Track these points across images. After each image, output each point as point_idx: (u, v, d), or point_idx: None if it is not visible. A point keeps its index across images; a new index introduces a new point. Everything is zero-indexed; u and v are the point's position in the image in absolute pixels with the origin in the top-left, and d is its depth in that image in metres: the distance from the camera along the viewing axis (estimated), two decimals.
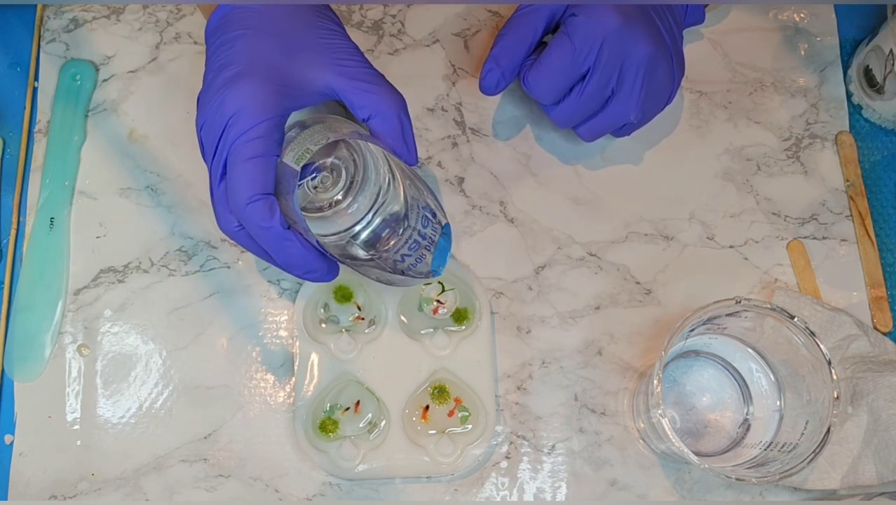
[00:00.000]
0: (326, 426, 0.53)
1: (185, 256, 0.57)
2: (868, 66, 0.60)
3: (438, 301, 0.56)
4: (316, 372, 0.54)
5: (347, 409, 0.53)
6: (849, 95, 0.62)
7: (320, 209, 0.47)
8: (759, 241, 0.59)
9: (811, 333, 0.48)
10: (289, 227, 0.44)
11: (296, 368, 0.54)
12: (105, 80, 0.61)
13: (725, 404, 0.55)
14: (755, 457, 0.51)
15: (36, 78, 0.60)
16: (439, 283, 0.56)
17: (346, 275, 0.53)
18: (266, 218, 0.43)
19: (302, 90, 0.46)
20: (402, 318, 0.56)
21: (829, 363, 0.47)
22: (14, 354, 0.55)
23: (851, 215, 0.60)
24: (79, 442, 0.54)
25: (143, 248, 0.58)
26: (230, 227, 0.46)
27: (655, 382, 0.47)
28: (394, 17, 0.63)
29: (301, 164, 0.43)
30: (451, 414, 0.54)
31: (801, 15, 0.64)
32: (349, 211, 0.46)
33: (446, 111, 0.61)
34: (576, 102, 0.53)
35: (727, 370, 0.55)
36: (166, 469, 0.54)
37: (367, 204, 0.47)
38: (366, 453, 0.53)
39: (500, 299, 0.57)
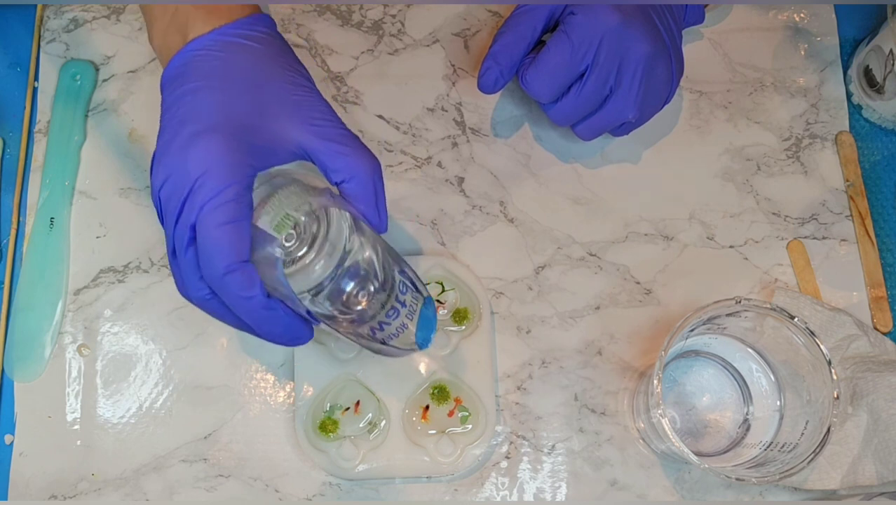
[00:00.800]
0: (326, 426, 0.53)
1: None
2: (868, 66, 0.60)
3: (438, 301, 0.56)
4: (316, 372, 0.54)
5: (347, 409, 0.53)
6: (849, 95, 0.62)
7: (288, 264, 0.43)
8: (759, 242, 0.59)
9: (811, 333, 0.48)
10: (268, 295, 0.41)
11: (296, 367, 0.54)
12: (105, 80, 0.61)
13: (725, 404, 0.55)
14: (755, 457, 0.51)
15: (36, 78, 0.60)
16: (440, 283, 0.56)
17: None
18: (246, 287, 0.40)
19: (272, 150, 0.43)
20: None
21: (829, 363, 0.47)
22: (14, 354, 0.55)
23: (851, 215, 0.60)
24: (79, 442, 0.54)
25: (143, 248, 0.58)
26: (199, 294, 0.42)
27: (655, 382, 0.47)
28: (394, 17, 0.63)
29: (284, 233, 0.41)
30: (451, 414, 0.54)
31: (801, 15, 0.64)
32: (315, 267, 0.43)
33: (446, 111, 0.61)
34: (574, 101, 0.53)
35: (727, 370, 0.55)
36: (166, 469, 0.54)
37: (333, 261, 0.43)
38: (366, 453, 0.53)
39: (500, 299, 0.57)
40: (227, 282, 0.40)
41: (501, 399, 0.55)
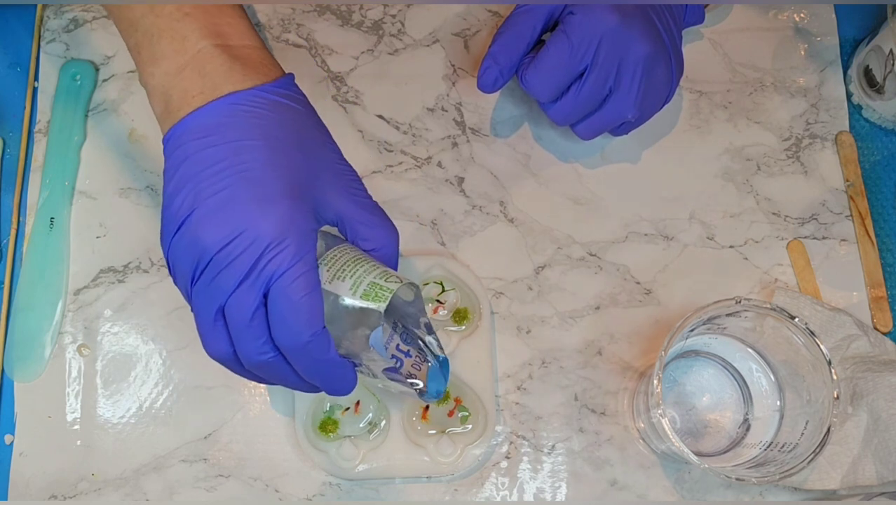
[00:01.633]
0: (326, 426, 0.53)
1: None
2: (868, 66, 0.60)
3: (438, 301, 0.56)
4: None
5: (347, 409, 0.53)
6: (849, 95, 0.62)
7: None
8: (759, 242, 0.59)
9: (811, 333, 0.48)
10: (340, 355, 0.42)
11: None
12: (105, 80, 0.61)
13: (725, 404, 0.55)
14: (755, 457, 0.51)
15: (36, 78, 0.60)
16: (440, 283, 0.56)
17: None
18: (325, 351, 0.41)
19: (320, 215, 0.43)
20: None
21: (829, 363, 0.47)
22: (14, 354, 0.55)
23: (851, 215, 0.59)
24: (79, 442, 0.54)
25: (143, 248, 0.58)
26: (262, 358, 0.41)
27: (655, 382, 0.47)
28: (394, 17, 0.63)
29: (382, 303, 0.41)
30: (451, 414, 0.54)
31: (801, 15, 0.64)
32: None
33: (446, 111, 0.61)
34: (573, 100, 0.53)
35: (727, 370, 0.55)
36: (166, 469, 0.54)
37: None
38: (366, 453, 0.53)
39: (500, 299, 0.57)
40: (311, 348, 0.40)
41: (501, 399, 0.55)
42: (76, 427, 0.54)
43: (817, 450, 0.46)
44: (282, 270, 0.39)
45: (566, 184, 0.60)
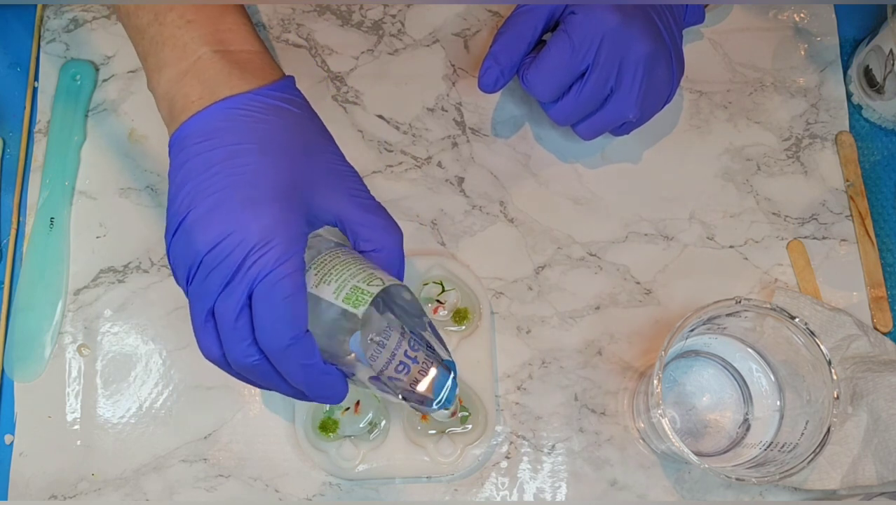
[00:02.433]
0: (326, 426, 0.53)
1: None
2: (868, 66, 0.60)
3: (438, 301, 0.56)
4: None
5: (347, 409, 0.53)
6: (849, 95, 0.62)
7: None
8: (759, 242, 0.59)
9: (811, 333, 0.48)
10: (325, 361, 0.42)
11: None
12: (105, 80, 0.61)
13: (725, 404, 0.55)
14: (755, 457, 0.51)
15: (36, 78, 0.60)
16: (440, 283, 0.56)
17: None
18: (307, 356, 0.40)
19: (317, 217, 0.43)
20: None
21: (829, 363, 0.47)
22: (14, 354, 0.55)
23: (851, 215, 0.60)
24: (79, 442, 0.54)
25: (143, 248, 0.58)
26: (248, 360, 0.41)
27: (655, 382, 0.47)
28: (394, 17, 0.63)
29: (362, 307, 0.40)
30: (452, 415, 0.54)
31: (801, 15, 0.64)
32: (391, 337, 0.44)
33: (446, 111, 0.61)
34: (575, 100, 0.53)
35: (727, 370, 0.55)
36: (166, 469, 0.54)
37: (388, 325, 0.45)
38: (366, 453, 0.53)
39: (500, 299, 0.57)
40: (291, 352, 0.40)
41: (501, 399, 0.55)
42: (76, 427, 0.54)
43: (817, 450, 0.46)
44: (265, 271, 0.39)
45: (566, 184, 0.60)
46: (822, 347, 0.48)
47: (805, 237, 0.59)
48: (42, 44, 0.61)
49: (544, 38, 0.54)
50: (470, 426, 0.54)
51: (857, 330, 0.55)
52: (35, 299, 0.56)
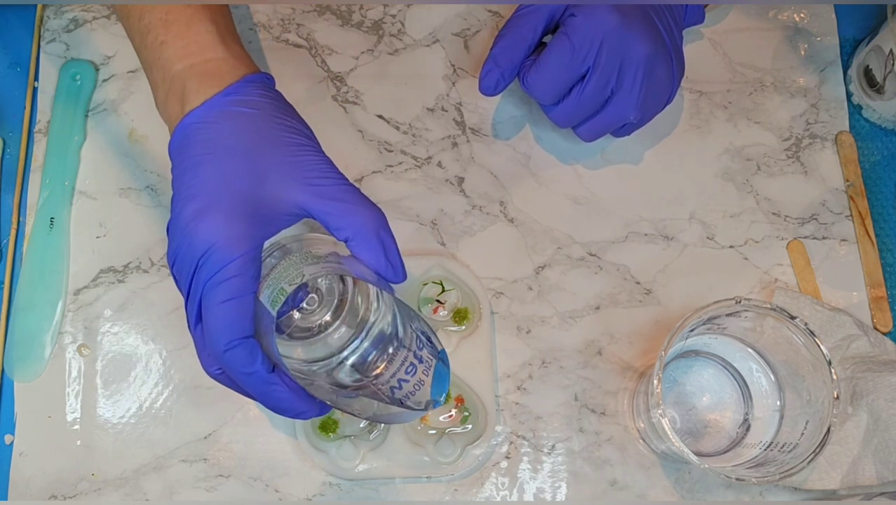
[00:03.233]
0: (326, 426, 0.53)
1: None
2: (868, 66, 0.60)
3: (438, 301, 0.56)
4: None
5: None
6: (849, 95, 0.62)
7: (307, 331, 0.43)
8: (759, 242, 0.59)
9: (811, 333, 0.48)
10: (273, 369, 0.42)
11: None
12: (105, 80, 0.61)
13: (725, 404, 0.55)
14: (755, 457, 0.51)
15: (36, 78, 0.60)
16: (440, 283, 0.56)
17: None
18: (247, 364, 0.40)
19: (274, 215, 0.43)
20: None
21: (829, 363, 0.47)
22: (14, 354, 0.55)
23: (851, 215, 0.60)
24: (79, 442, 0.54)
25: (143, 248, 0.58)
26: (212, 370, 0.43)
27: (655, 382, 0.47)
28: (394, 17, 0.63)
29: (276, 308, 0.40)
30: (451, 414, 0.54)
31: (801, 15, 0.64)
32: (336, 334, 0.43)
33: (446, 111, 0.61)
34: (575, 102, 0.53)
35: (727, 370, 0.55)
36: (166, 469, 0.54)
37: (355, 324, 0.44)
38: (366, 453, 0.53)
39: (500, 299, 0.57)
40: (228, 358, 0.40)
41: (501, 399, 0.55)
42: (76, 427, 0.54)
43: (817, 450, 0.46)
44: (205, 279, 0.40)
45: (566, 184, 0.60)
46: (822, 347, 0.48)
47: (805, 237, 0.59)
48: (42, 44, 0.61)
49: (544, 40, 0.54)
50: (470, 426, 0.54)
51: (857, 330, 0.55)
52: (35, 299, 0.56)
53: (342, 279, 0.44)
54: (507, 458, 0.55)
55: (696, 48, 0.62)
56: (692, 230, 0.59)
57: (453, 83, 0.61)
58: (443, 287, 0.56)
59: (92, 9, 0.62)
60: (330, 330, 0.43)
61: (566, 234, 0.59)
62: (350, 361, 0.44)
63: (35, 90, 0.60)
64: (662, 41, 0.52)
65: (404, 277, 0.44)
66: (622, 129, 0.56)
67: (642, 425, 0.54)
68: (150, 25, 0.46)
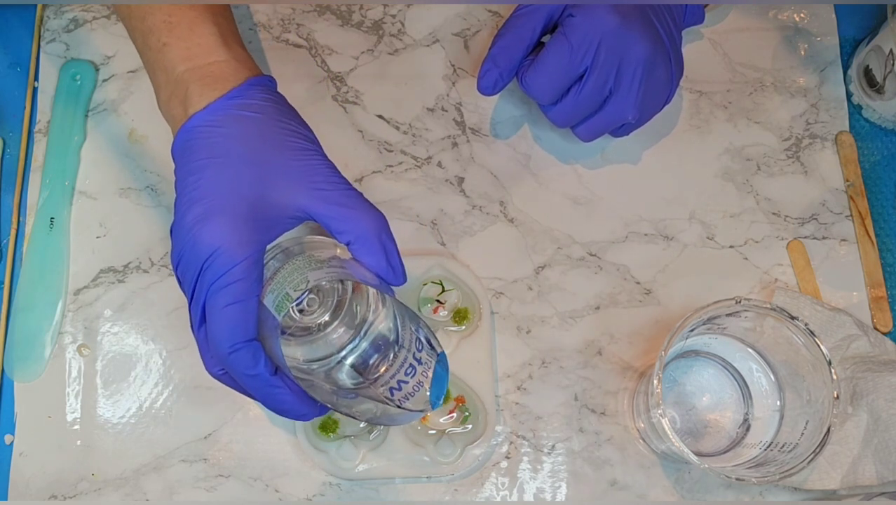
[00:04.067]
0: (326, 426, 0.53)
1: None
2: (868, 66, 0.60)
3: (438, 301, 0.56)
4: None
5: None
6: (849, 95, 0.62)
7: (307, 331, 0.44)
8: (759, 242, 0.59)
9: (811, 333, 0.48)
10: (276, 372, 0.42)
11: None
12: (105, 80, 0.61)
13: (725, 404, 0.55)
14: (755, 457, 0.51)
15: (36, 78, 0.60)
16: (440, 283, 0.56)
17: None
18: (250, 366, 0.41)
19: (277, 219, 0.43)
20: None
21: (829, 363, 0.47)
22: (14, 354, 0.55)
23: (851, 215, 0.60)
24: (79, 442, 0.54)
25: (143, 248, 0.58)
26: (213, 370, 0.44)
27: (655, 382, 0.47)
28: (394, 17, 0.63)
29: (282, 314, 0.40)
30: (451, 414, 0.54)
31: (801, 15, 0.64)
32: (335, 334, 0.44)
33: (446, 111, 0.61)
34: (573, 102, 0.53)
35: (727, 370, 0.55)
36: (166, 469, 0.54)
37: (354, 324, 0.44)
38: (366, 453, 0.53)
39: (500, 299, 0.57)
40: (232, 361, 0.41)
41: (501, 399, 0.55)
42: (76, 427, 0.54)
43: (817, 450, 0.46)
44: (209, 282, 0.41)
45: (566, 184, 0.60)
46: (822, 347, 0.48)
47: (805, 237, 0.59)
48: (42, 44, 0.61)
49: (543, 40, 0.54)
50: (470, 426, 0.54)
51: (857, 330, 0.55)
52: (35, 299, 0.56)
53: (342, 280, 0.44)
54: (507, 458, 0.55)
55: (696, 48, 0.62)
56: (692, 230, 0.59)
57: (453, 83, 0.61)
58: (443, 287, 0.56)
59: (92, 9, 0.62)
60: (328, 330, 0.44)
61: (566, 235, 0.59)
62: (349, 361, 0.44)
63: (35, 90, 0.60)
64: (661, 41, 0.53)
65: (405, 279, 0.45)
66: (620, 129, 0.56)
67: (642, 425, 0.54)
68: (152, 27, 0.46)
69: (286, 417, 0.44)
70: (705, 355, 0.56)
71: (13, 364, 0.55)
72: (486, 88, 0.54)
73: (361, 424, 0.53)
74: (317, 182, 0.44)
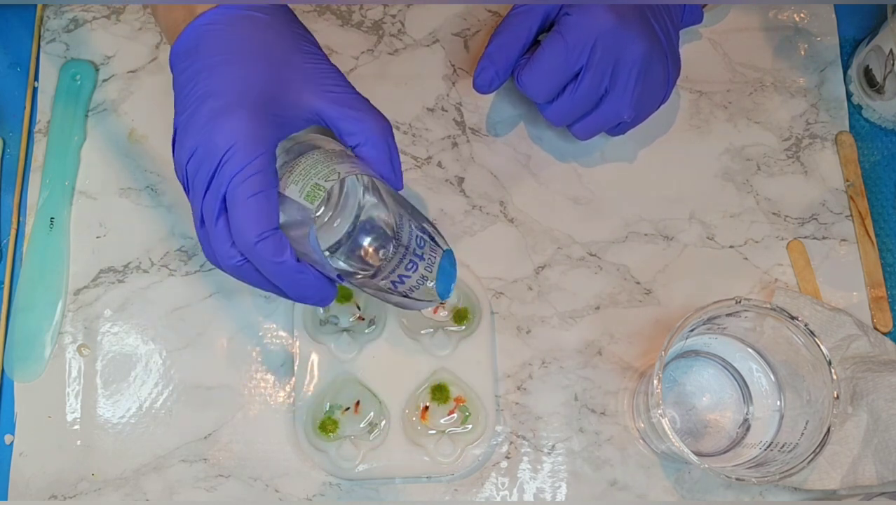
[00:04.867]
0: (326, 426, 0.53)
1: (185, 255, 0.57)
2: (868, 66, 0.60)
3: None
4: (316, 372, 0.54)
5: (347, 409, 0.54)
6: (849, 95, 0.62)
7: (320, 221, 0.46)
8: (759, 242, 0.59)
9: (811, 333, 0.48)
10: (298, 260, 0.43)
11: (296, 367, 0.54)
12: (105, 80, 0.61)
13: (725, 404, 0.55)
14: (755, 457, 0.51)
15: (36, 78, 0.60)
16: None
17: None
18: (278, 253, 0.42)
19: (291, 118, 0.45)
20: (403, 318, 0.56)
21: (829, 363, 0.47)
22: (14, 354, 0.55)
23: (851, 215, 0.60)
24: (79, 442, 0.54)
25: (143, 248, 0.58)
26: (231, 262, 0.44)
27: (655, 382, 0.47)
28: (394, 17, 0.63)
29: (316, 203, 0.42)
30: (451, 414, 0.54)
31: (801, 15, 0.64)
32: (333, 226, 0.45)
33: (446, 111, 0.61)
34: (569, 101, 0.53)
35: (727, 370, 0.55)
36: (166, 469, 0.54)
37: (349, 217, 0.46)
38: (366, 453, 0.53)
39: (500, 299, 0.57)
40: (260, 249, 0.42)
41: (501, 399, 0.55)
42: (76, 427, 0.54)
43: (817, 450, 0.46)
44: (232, 174, 0.42)
45: (566, 184, 0.60)
46: (822, 347, 0.48)
47: (805, 237, 0.59)
48: (42, 44, 0.61)
49: (539, 38, 0.54)
50: (470, 426, 0.54)
51: (857, 330, 0.55)
52: (35, 299, 0.56)
53: (356, 175, 0.46)
54: (507, 458, 0.55)
55: (696, 48, 0.62)
56: (692, 230, 0.59)
57: (453, 83, 0.61)
58: None
59: (92, 9, 0.62)
60: (326, 222, 0.45)
61: (566, 234, 0.59)
62: (346, 251, 0.46)
63: (35, 90, 0.60)
64: (658, 41, 0.53)
65: (402, 184, 0.48)
66: (616, 128, 0.56)
67: (642, 425, 0.54)
68: (168, 4, 0.47)
69: (307, 302, 0.45)
70: (705, 355, 0.56)
71: (13, 364, 0.55)
72: (482, 86, 0.54)
73: (362, 424, 0.53)
74: (328, 85, 0.46)
